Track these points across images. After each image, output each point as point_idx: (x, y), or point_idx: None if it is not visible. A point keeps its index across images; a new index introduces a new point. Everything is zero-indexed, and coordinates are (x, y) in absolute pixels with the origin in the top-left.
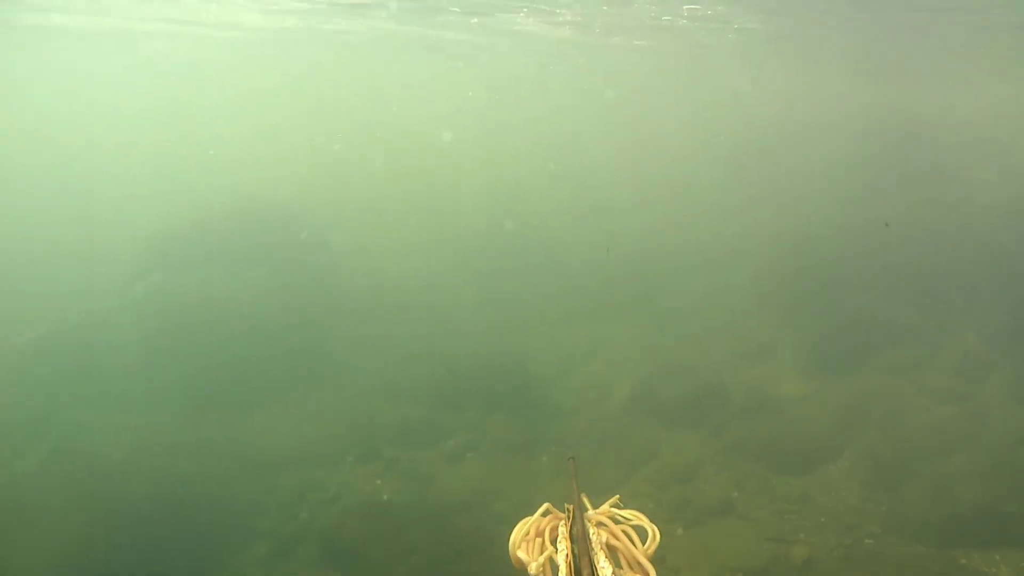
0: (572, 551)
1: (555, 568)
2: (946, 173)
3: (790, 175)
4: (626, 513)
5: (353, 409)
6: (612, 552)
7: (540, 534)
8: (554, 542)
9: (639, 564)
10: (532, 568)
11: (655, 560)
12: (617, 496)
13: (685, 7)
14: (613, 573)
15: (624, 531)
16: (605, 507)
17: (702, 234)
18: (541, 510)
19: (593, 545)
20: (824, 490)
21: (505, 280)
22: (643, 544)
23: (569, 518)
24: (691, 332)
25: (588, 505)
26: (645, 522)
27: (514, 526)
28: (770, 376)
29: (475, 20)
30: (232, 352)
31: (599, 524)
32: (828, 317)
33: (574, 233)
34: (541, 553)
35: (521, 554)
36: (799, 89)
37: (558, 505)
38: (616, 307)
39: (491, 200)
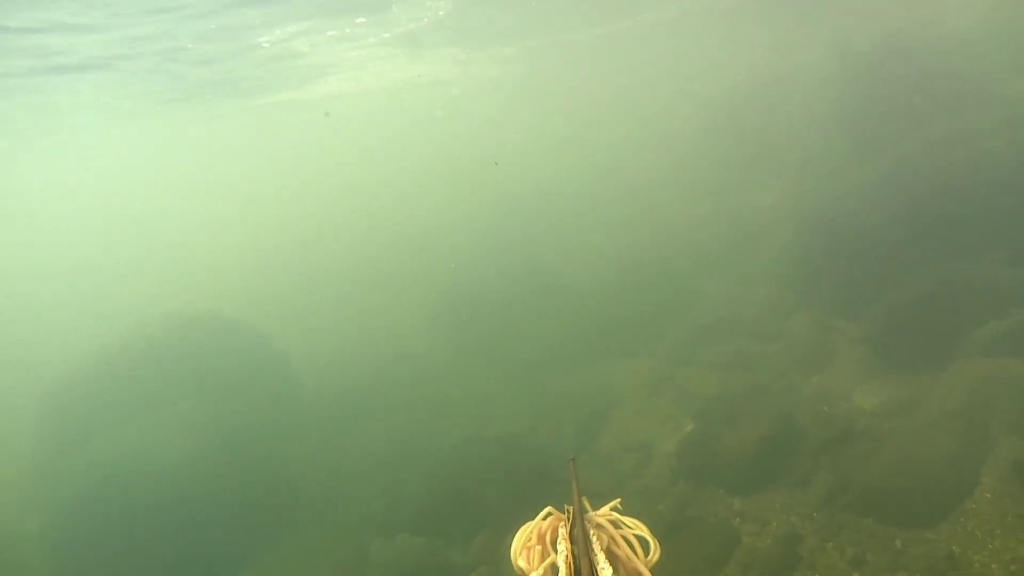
0: (572, 552)
1: (555, 569)
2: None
3: (783, 139)
4: (627, 521)
5: None
6: (612, 558)
7: (541, 539)
8: (554, 544)
9: (639, 574)
10: None
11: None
12: (618, 499)
13: None
14: (613, 574)
15: (624, 537)
16: (605, 509)
17: (712, 220)
18: (542, 513)
19: (593, 546)
20: (973, 542)
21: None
22: (644, 555)
23: (569, 520)
24: (726, 351)
25: (588, 507)
26: (646, 533)
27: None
28: (838, 387)
29: None
30: None
31: (599, 526)
32: (880, 293)
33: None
34: (542, 560)
35: (522, 562)
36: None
37: (558, 507)
38: (627, 337)
39: None
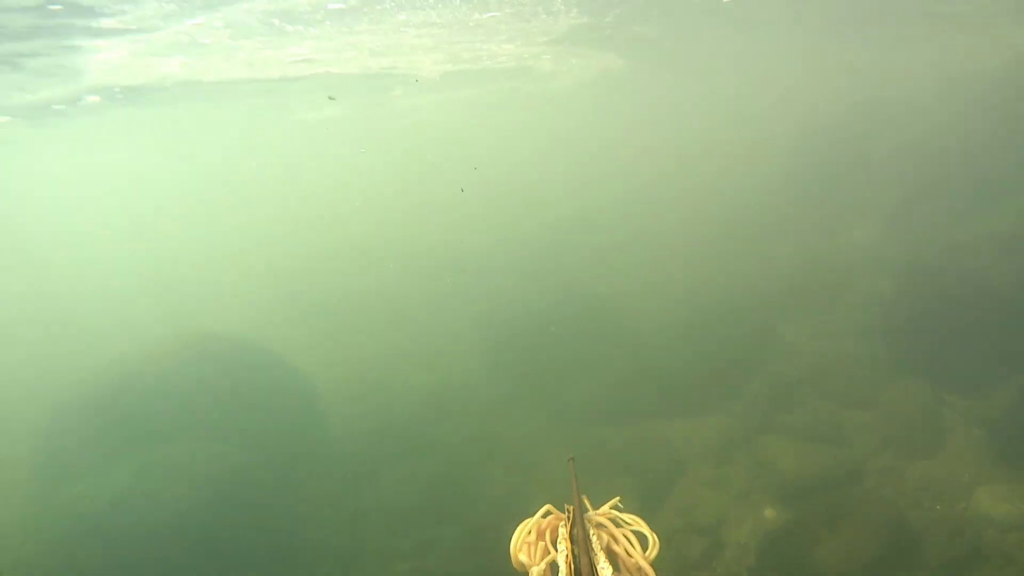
0: (572, 552)
1: (555, 569)
2: None
3: (879, 174)
4: (626, 517)
5: None
6: (612, 556)
7: (541, 536)
8: (554, 543)
9: (640, 570)
10: (534, 572)
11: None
12: (618, 498)
13: None
14: (613, 574)
15: (624, 535)
16: (605, 508)
17: (793, 260)
18: (541, 511)
19: (593, 546)
20: None
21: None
22: (644, 550)
23: (569, 519)
24: (811, 418)
25: (588, 506)
26: (645, 528)
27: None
28: (953, 479)
29: None
30: None
31: (599, 525)
32: (1011, 368)
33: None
34: (543, 557)
35: (523, 557)
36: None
37: (558, 506)
38: (694, 391)
39: None
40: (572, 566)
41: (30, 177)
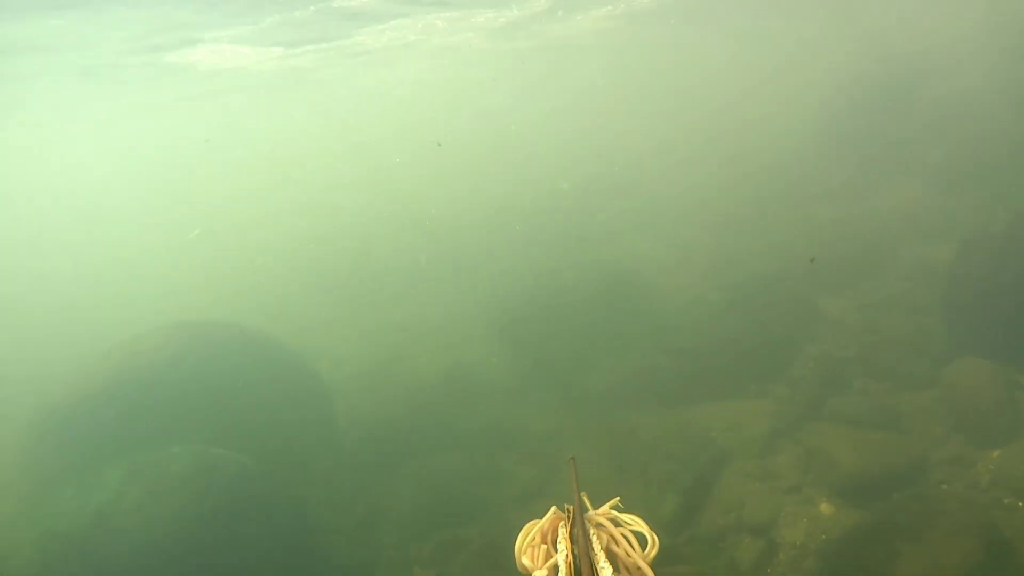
0: (572, 552)
1: (555, 568)
2: None
3: (924, 130)
4: (626, 517)
5: None
6: (612, 557)
7: (544, 538)
8: (555, 543)
9: (639, 570)
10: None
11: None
12: (618, 498)
13: None
14: (613, 574)
15: (624, 535)
16: (605, 508)
17: (832, 225)
18: (549, 514)
19: (593, 546)
20: None
21: None
22: (643, 550)
23: (569, 519)
24: (863, 401)
25: (588, 506)
26: (644, 528)
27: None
28: None
29: None
30: None
31: (598, 525)
32: None
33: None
34: (546, 560)
35: (526, 560)
36: None
37: (558, 505)
38: (731, 371)
39: None
40: (572, 566)
41: None
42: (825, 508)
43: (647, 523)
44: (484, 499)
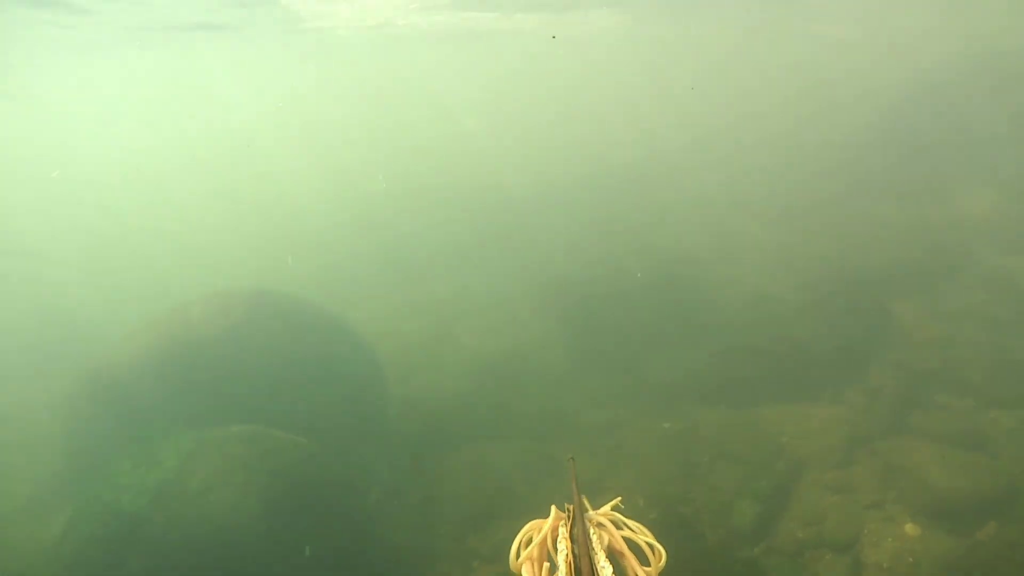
0: (572, 552)
1: (555, 568)
2: None
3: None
4: (631, 524)
5: None
6: (613, 558)
7: (542, 541)
8: (555, 543)
9: None
10: None
11: None
12: (619, 498)
13: None
14: (613, 574)
15: (627, 539)
16: (606, 508)
17: (904, 228)
18: (552, 516)
19: (593, 546)
20: None
21: None
22: (647, 560)
23: (569, 519)
24: (949, 418)
25: (588, 506)
26: (651, 538)
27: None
28: None
29: None
30: None
31: (599, 525)
32: None
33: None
34: (543, 561)
35: (526, 572)
36: None
37: (558, 506)
38: (802, 374)
39: None
40: (572, 565)
41: None
42: (911, 529)
43: (652, 532)
44: (541, 491)
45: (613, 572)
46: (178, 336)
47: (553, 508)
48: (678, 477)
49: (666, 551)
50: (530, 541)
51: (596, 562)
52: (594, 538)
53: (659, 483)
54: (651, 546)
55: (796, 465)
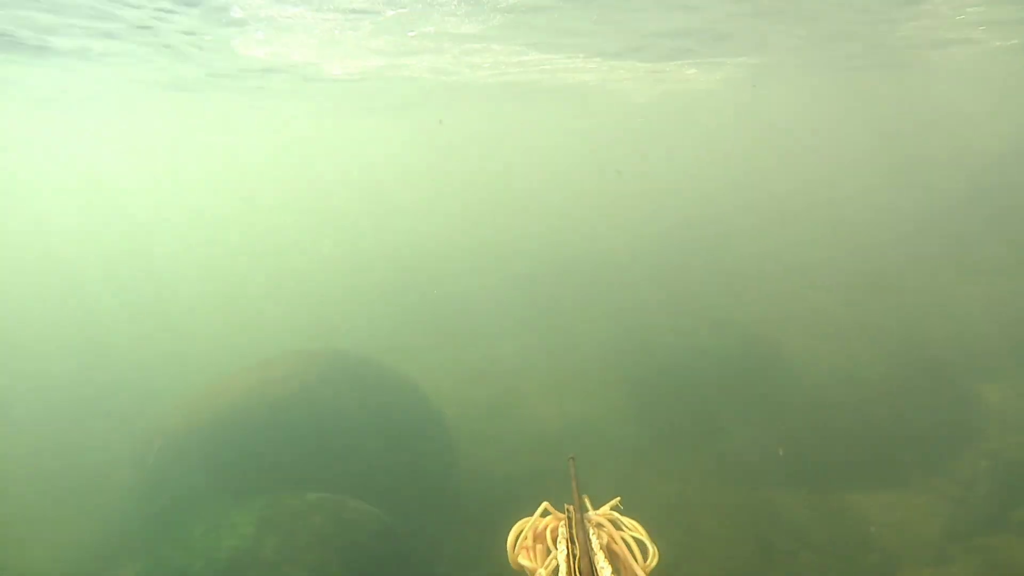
0: (572, 552)
1: (554, 568)
2: None
3: None
4: (626, 522)
5: None
6: (612, 557)
7: (540, 538)
8: (554, 543)
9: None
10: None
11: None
12: (618, 498)
13: None
14: (612, 574)
15: (624, 539)
16: (605, 509)
17: (988, 306)
18: (539, 510)
19: (593, 546)
20: None
21: None
22: (642, 559)
23: (569, 519)
24: None
25: (588, 506)
26: (645, 537)
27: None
28: None
29: None
30: None
31: (598, 525)
32: None
33: None
34: (545, 559)
35: (524, 560)
36: None
37: (557, 505)
38: (883, 455)
39: None
40: (572, 566)
41: None
42: None
43: (647, 531)
44: None
45: (612, 572)
46: (255, 395)
47: (547, 505)
48: (758, 566)
49: (659, 551)
50: (526, 538)
51: (596, 563)
52: (594, 539)
53: (737, 571)
54: (644, 546)
55: (888, 560)
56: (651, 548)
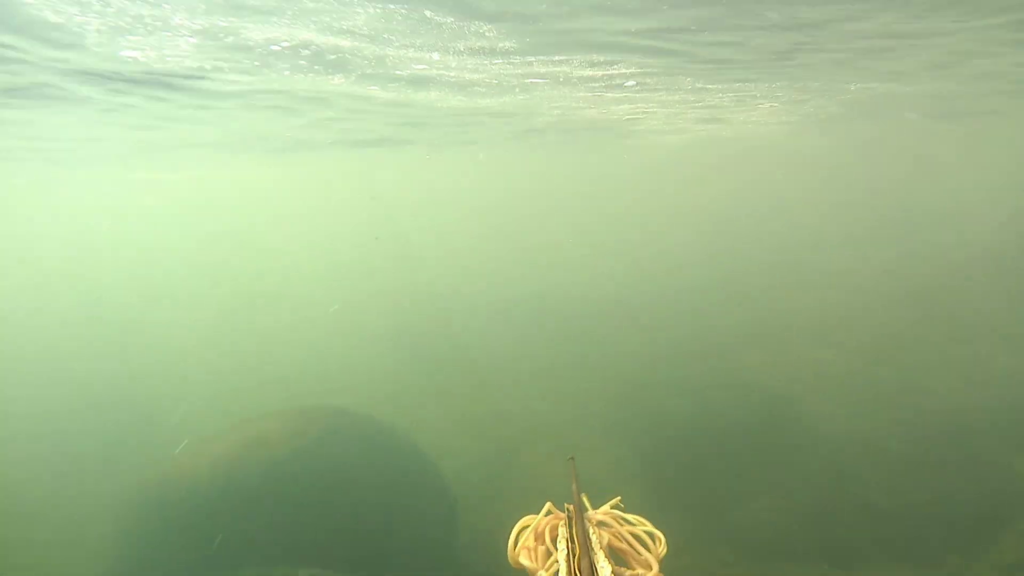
0: (572, 550)
1: (555, 571)
2: None
3: None
4: (630, 518)
5: None
6: (614, 555)
7: (540, 537)
8: (554, 542)
9: (648, 566)
10: None
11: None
12: (618, 498)
13: None
14: (612, 572)
15: (632, 532)
16: (605, 508)
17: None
18: (543, 512)
19: (593, 546)
20: None
21: None
22: (648, 549)
23: (569, 518)
24: None
25: (588, 505)
26: (650, 527)
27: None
28: None
29: None
30: None
31: (599, 524)
32: None
33: None
34: (546, 559)
35: (524, 560)
36: None
37: (558, 505)
38: (918, 532)
39: None
40: (572, 565)
41: None
42: None
43: (651, 523)
44: None
45: (612, 572)
46: (246, 458)
47: (551, 505)
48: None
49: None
50: (528, 538)
51: (596, 562)
52: (594, 538)
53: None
54: (651, 535)
55: None
56: (660, 537)
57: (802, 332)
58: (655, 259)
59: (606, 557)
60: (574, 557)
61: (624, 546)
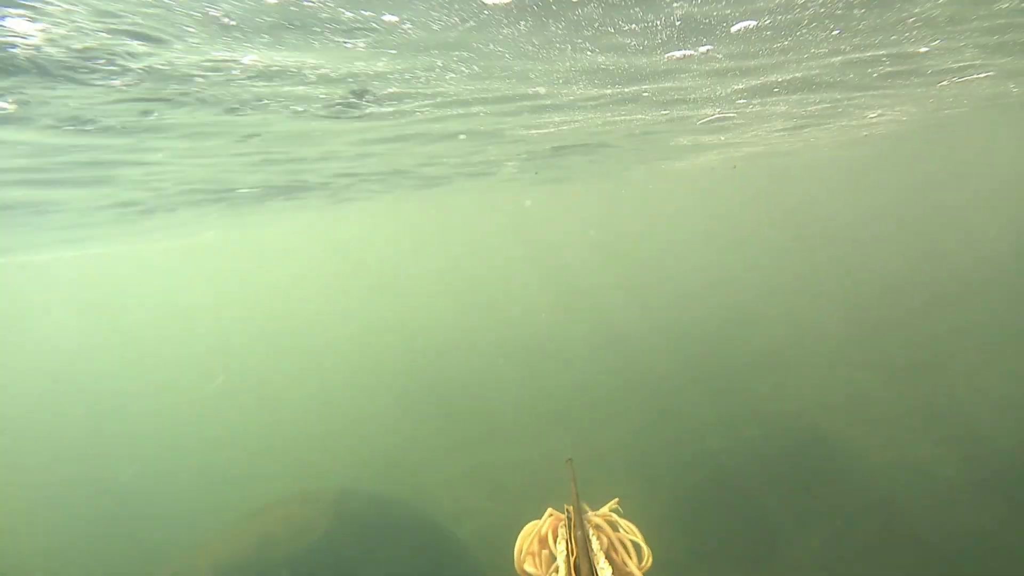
0: (571, 553)
1: (554, 559)
2: None
3: None
4: (623, 524)
5: None
6: (610, 559)
7: (543, 542)
8: (554, 543)
9: None
10: None
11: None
12: (616, 500)
13: None
14: (611, 574)
15: (621, 540)
16: (604, 510)
17: None
18: (545, 516)
19: (593, 547)
20: None
21: None
22: (637, 560)
23: (568, 519)
24: None
25: (587, 507)
26: (640, 539)
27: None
28: None
29: None
30: None
31: (597, 527)
32: None
33: None
34: (549, 565)
35: (529, 567)
36: None
37: (557, 506)
38: None
39: None
40: (572, 566)
41: None
42: None
43: (642, 534)
44: None
45: (612, 572)
46: (254, 556)
47: (552, 510)
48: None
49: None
50: (532, 545)
51: (595, 563)
52: (593, 539)
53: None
54: (639, 547)
55: None
56: (646, 550)
57: (828, 354)
58: (678, 298)
59: (605, 559)
60: (574, 559)
61: (613, 554)
